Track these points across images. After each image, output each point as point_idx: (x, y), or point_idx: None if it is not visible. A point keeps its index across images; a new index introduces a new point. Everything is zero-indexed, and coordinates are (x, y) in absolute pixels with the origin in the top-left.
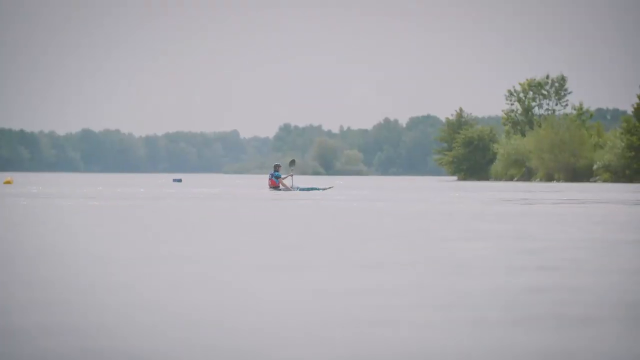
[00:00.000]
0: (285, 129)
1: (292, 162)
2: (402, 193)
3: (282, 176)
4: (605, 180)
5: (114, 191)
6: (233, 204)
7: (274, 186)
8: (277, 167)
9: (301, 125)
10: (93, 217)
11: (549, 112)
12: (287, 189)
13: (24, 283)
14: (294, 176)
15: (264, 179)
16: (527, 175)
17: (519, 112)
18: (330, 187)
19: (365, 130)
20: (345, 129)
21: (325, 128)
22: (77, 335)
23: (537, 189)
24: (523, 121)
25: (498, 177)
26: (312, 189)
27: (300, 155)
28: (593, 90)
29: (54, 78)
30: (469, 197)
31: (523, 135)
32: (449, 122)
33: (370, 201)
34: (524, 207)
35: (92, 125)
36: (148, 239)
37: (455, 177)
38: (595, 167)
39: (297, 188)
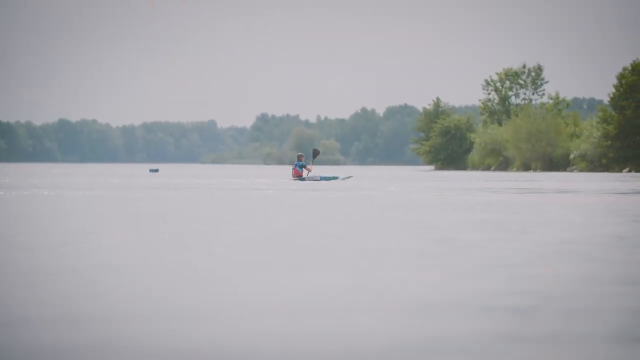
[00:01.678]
0: (263, 118)
1: (316, 153)
2: (407, 184)
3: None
4: (581, 170)
5: (120, 181)
6: (264, 195)
7: (298, 176)
8: (300, 157)
9: (278, 115)
10: (133, 214)
11: (526, 101)
12: (312, 177)
13: (20, 275)
14: (312, 165)
15: (244, 168)
16: (504, 164)
17: (496, 101)
18: (349, 177)
19: (343, 120)
20: (322, 118)
21: (302, 118)
22: (74, 326)
23: (520, 178)
24: (500, 110)
25: (475, 167)
26: (334, 178)
27: (277, 145)
28: (569, 79)
29: (31, 68)
30: (467, 188)
31: (500, 124)
32: (426, 112)
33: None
34: (525, 198)
35: (69, 115)
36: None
37: (432, 167)
38: (571, 156)
39: (320, 177)
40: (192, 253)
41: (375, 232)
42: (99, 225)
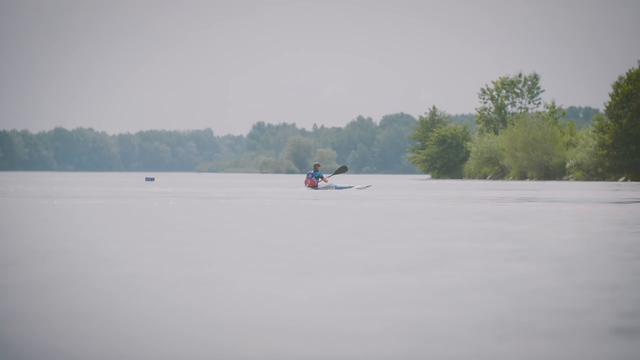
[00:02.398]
0: (259, 127)
1: (344, 170)
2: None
3: (325, 175)
4: (577, 179)
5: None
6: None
7: (312, 185)
8: (316, 167)
9: (275, 123)
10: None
11: (522, 110)
12: (327, 186)
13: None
14: (331, 177)
15: (242, 177)
16: (500, 173)
17: (492, 110)
18: (368, 186)
19: (339, 129)
20: (319, 127)
21: (299, 126)
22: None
23: (517, 187)
24: (496, 119)
25: (471, 176)
26: (348, 187)
27: (274, 153)
28: (566, 88)
29: (27, 77)
30: (463, 197)
31: (496, 133)
32: (422, 121)
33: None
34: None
35: (65, 123)
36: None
37: (428, 176)
38: (567, 165)
39: (334, 186)
40: (197, 262)
41: (376, 241)
42: (133, 236)
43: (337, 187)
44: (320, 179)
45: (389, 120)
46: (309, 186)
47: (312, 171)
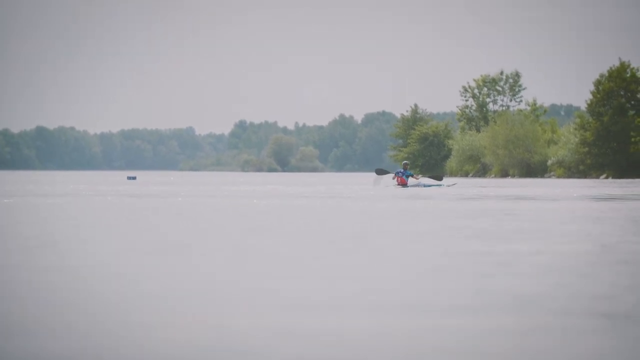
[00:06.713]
0: (241, 125)
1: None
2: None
3: (414, 175)
4: (559, 176)
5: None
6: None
7: (402, 183)
8: (405, 166)
9: (257, 121)
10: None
11: (504, 108)
12: (416, 184)
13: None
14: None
15: (224, 175)
16: (482, 171)
17: (474, 108)
18: (454, 184)
19: (321, 127)
20: (300, 125)
21: (280, 124)
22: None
23: (500, 185)
24: (478, 117)
25: (453, 173)
26: (438, 185)
27: (256, 152)
28: (547, 86)
29: (8, 75)
30: (448, 195)
31: (478, 131)
32: (404, 119)
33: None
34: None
35: (47, 122)
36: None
37: None
38: (549, 162)
39: (423, 185)
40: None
41: (368, 243)
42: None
43: (425, 185)
44: (410, 177)
45: (370, 119)
46: (398, 184)
47: (402, 170)
